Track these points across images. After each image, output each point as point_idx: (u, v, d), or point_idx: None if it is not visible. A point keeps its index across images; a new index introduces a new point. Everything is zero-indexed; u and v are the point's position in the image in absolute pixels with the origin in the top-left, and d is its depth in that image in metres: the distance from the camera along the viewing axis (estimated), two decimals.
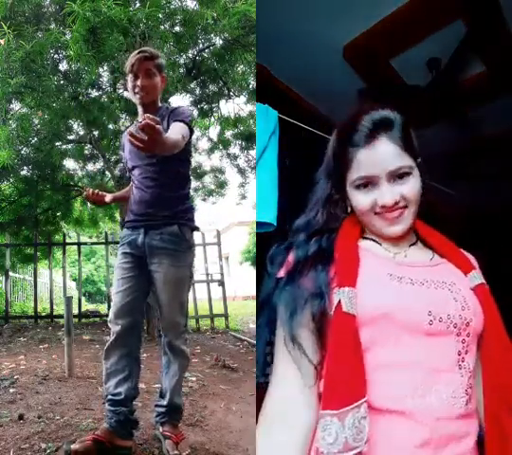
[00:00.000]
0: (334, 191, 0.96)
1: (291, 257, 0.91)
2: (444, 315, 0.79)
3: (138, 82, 1.69)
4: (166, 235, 1.68)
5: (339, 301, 0.78)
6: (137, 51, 1.75)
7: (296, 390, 0.81)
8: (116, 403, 1.63)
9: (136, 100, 1.75)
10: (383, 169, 0.85)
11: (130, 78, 1.73)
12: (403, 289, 0.81)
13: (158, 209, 1.70)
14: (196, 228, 1.79)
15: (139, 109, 1.78)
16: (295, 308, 0.82)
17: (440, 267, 0.91)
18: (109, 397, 1.65)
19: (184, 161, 1.79)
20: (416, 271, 0.86)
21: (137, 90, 1.71)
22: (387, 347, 0.77)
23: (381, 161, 0.85)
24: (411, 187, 0.86)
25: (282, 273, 0.89)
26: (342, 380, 0.73)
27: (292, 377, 0.82)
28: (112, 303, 1.72)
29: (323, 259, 0.87)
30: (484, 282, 0.89)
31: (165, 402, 1.74)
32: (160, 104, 1.80)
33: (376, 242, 0.92)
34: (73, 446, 1.55)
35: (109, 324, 1.69)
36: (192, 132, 1.73)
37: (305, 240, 0.92)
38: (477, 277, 0.89)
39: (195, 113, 5.21)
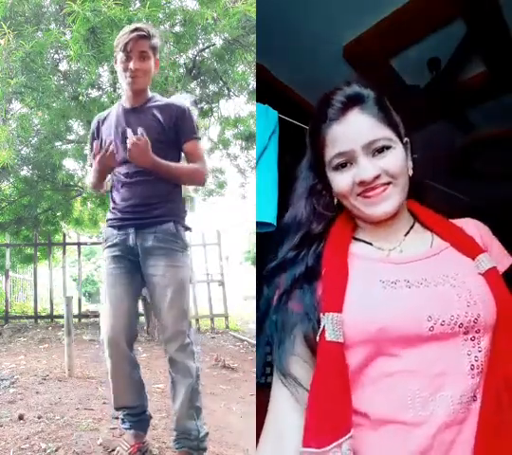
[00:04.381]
0: (317, 181, 0.88)
1: (283, 279, 0.83)
2: (446, 317, 0.71)
3: (131, 65, 1.48)
4: (160, 234, 1.52)
5: (324, 329, 0.71)
6: (131, 28, 1.51)
7: (293, 415, 0.75)
8: None
9: (126, 84, 1.54)
10: (358, 142, 0.78)
11: (121, 57, 1.50)
12: (397, 296, 0.74)
13: (151, 207, 1.54)
14: (189, 228, 1.64)
15: (128, 94, 1.57)
16: (283, 338, 0.76)
17: (442, 255, 0.82)
18: None
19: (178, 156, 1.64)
20: (414, 268, 0.79)
21: (128, 73, 1.50)
22: (386, 359, 0.72)
23: (355, 134, 0.78)
24: (394, 160, 0.78)
25: (276, 298, 0.82)
26: (326, 415, 0.68)
27: (287, 404, 0.77)
28: (109, 321, 1.50)
29: (310, 276, 0.80)
30: (494, 265, 0.79)
31: (174, 426, 1.58)
32: (150, 94, 1.61)
33: (367, 243, 0.85)
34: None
35: (105, 348, 1.51)
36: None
37: (294, 256, 0.84)
38: (486, 261, 0.79)
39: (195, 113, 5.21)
